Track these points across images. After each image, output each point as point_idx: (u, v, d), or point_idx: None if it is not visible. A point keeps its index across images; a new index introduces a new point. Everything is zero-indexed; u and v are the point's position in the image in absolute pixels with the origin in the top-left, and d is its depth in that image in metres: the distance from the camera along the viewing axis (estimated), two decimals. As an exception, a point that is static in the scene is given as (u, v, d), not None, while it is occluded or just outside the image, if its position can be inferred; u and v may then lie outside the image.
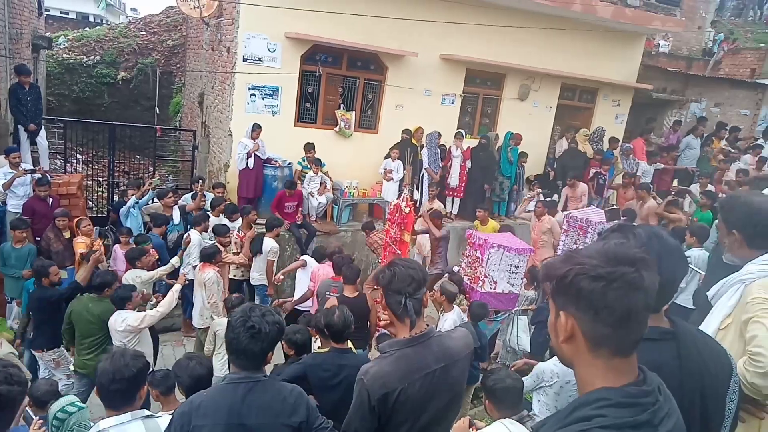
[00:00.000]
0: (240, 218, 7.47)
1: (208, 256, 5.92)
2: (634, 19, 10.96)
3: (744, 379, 1.96)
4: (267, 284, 7.03)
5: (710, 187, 9.41)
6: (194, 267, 6.54)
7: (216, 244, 6.42)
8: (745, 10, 18.55)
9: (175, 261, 6.28)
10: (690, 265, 5.08)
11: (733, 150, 11.06)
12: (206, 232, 7.06)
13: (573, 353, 1.21)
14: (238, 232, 7.24)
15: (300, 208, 8.43)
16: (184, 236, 6.80)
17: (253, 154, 8.33)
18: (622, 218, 7.16)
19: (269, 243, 6.87)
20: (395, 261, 2.28)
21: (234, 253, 6.97)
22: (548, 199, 9.14)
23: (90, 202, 10.20)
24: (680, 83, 13.77)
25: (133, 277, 5.64)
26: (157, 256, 6.49)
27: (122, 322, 4.75)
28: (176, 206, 7.78)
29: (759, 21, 18.07)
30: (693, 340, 1.62)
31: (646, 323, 1.16)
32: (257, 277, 7.06)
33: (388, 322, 2.25)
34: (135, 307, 4.94)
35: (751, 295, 2.10)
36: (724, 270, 2.48)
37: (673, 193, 9.57)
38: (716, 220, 3.46)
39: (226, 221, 7.40)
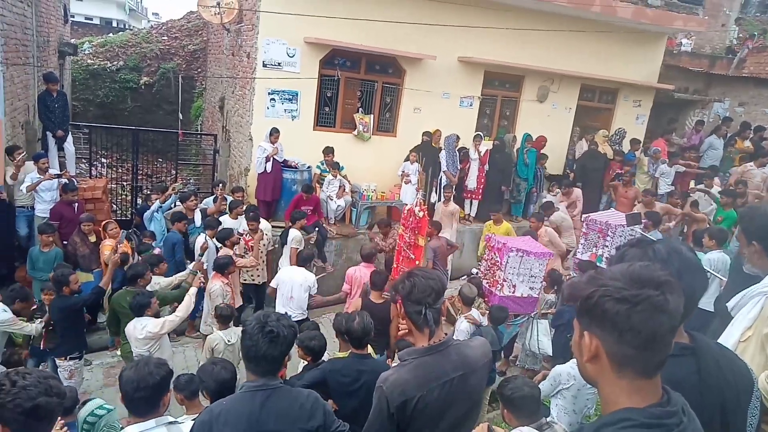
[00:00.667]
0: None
1: (220, 267, 5.93)
2: (656, 20, 10.78)
3: (766, 393, 1.94)
4: None
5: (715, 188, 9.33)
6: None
7: (231, 255, 6.35)
8: (771, 6, 18.10)
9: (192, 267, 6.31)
10: (709, 270, 5.02)
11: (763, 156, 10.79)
12: None
13: (597, 373, 1.22)
14: (246, 236, 7.21)
15: (319, 212, 8.49)
16: (200, 242, 6.74)
17: (272, 158, 8.42)
18: (643, 221, 7.04)
19: (293, 233, 7.16)
20: (414, 272, 2.29)
21: (241, 255, 7.01)
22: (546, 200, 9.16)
23: (114, 206, 10.41)
24: (703, 83, 13.52)
25: (152, 284, 5.68)
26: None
27: (142, 329, 4.73)
28: (198, 209, 7.90)
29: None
30: (712, 355, 1.62)
31: (670, 345, 1.17)
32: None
33: (407, 330, 2.28)
34: (154, 314, 4.95)
35: (773, 308, 2.08)
36: (745, 280, 2.46)
37: (691, 195, 9.45)
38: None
39: (244, 223, 7.46)
